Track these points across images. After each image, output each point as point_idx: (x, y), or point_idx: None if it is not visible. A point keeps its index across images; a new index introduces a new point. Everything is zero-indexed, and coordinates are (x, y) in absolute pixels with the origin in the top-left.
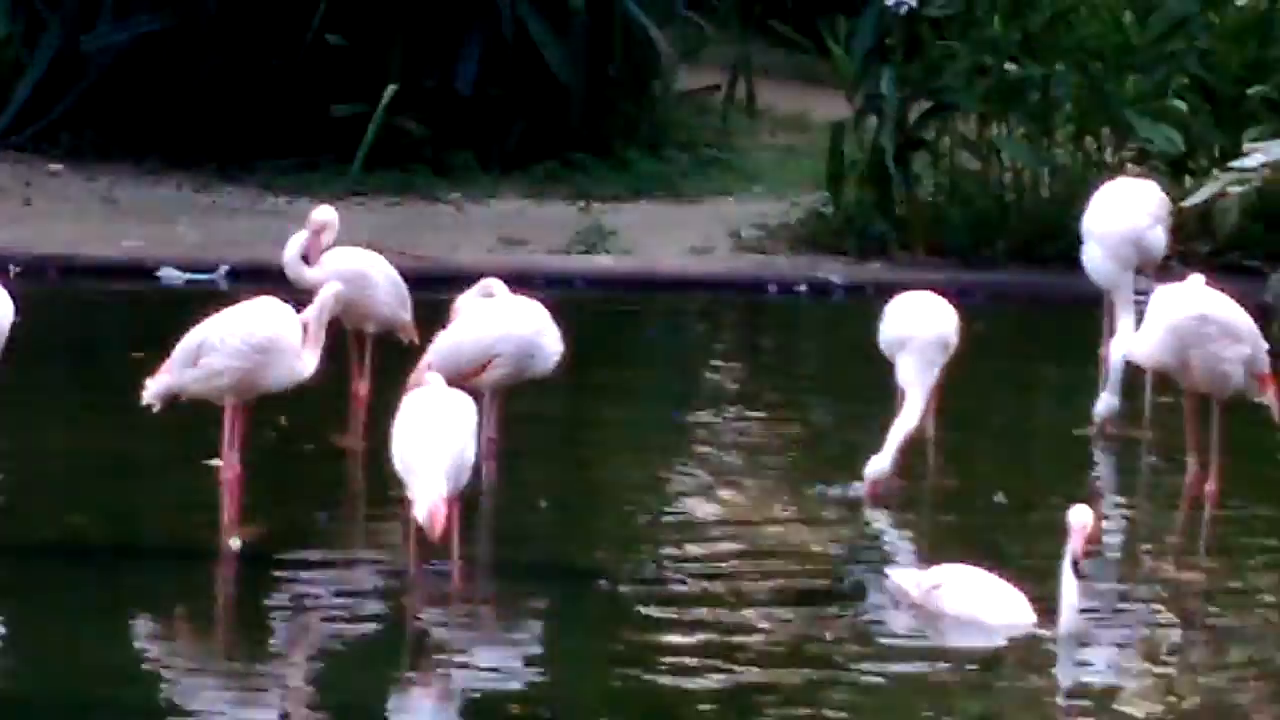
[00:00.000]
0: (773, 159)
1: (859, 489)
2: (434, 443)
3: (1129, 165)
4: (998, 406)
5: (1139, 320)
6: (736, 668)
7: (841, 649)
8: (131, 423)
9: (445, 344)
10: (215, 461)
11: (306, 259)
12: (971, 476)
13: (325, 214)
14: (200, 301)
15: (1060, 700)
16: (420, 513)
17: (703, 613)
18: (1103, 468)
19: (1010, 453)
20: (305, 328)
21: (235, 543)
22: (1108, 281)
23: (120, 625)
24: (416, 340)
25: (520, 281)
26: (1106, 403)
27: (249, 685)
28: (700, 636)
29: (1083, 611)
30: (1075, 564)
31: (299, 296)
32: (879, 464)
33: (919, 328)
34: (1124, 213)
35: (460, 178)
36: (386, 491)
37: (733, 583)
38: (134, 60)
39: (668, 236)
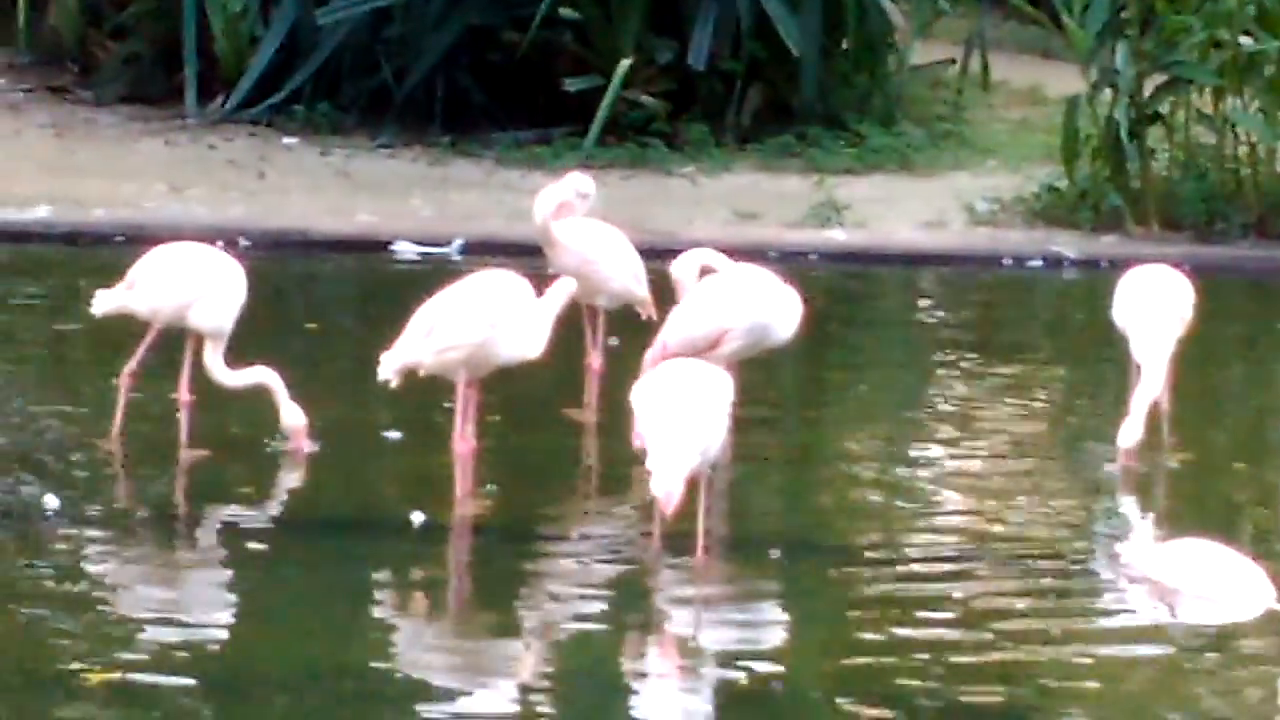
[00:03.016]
0: (1006, 133)
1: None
2: (683, 417)
3: None
4: (1231, 380)
5: None
6: (967, 637)
7: (1073, 624)
8: (367, 396)
9: (679, 320)
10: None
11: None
12: (1206, 450)
13: (588, 185)
14: (434, 275)
15: None
16: (658, 489)
17: (936, 587)
18: None
19: (1245, 427)
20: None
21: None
22: None
23: (357, 598)
24: (655, 315)
25: (754, 255)
26: None
27: (483, 660)
28: (934, 613)
29: None
30: None
31: (533, 269)
32: (1131, 432)
33: (1155, 301)
34: None
35: (694, 152)
36: (621, 465)
37: (964, 558)
38: (368, 34)
39: (901, 210)
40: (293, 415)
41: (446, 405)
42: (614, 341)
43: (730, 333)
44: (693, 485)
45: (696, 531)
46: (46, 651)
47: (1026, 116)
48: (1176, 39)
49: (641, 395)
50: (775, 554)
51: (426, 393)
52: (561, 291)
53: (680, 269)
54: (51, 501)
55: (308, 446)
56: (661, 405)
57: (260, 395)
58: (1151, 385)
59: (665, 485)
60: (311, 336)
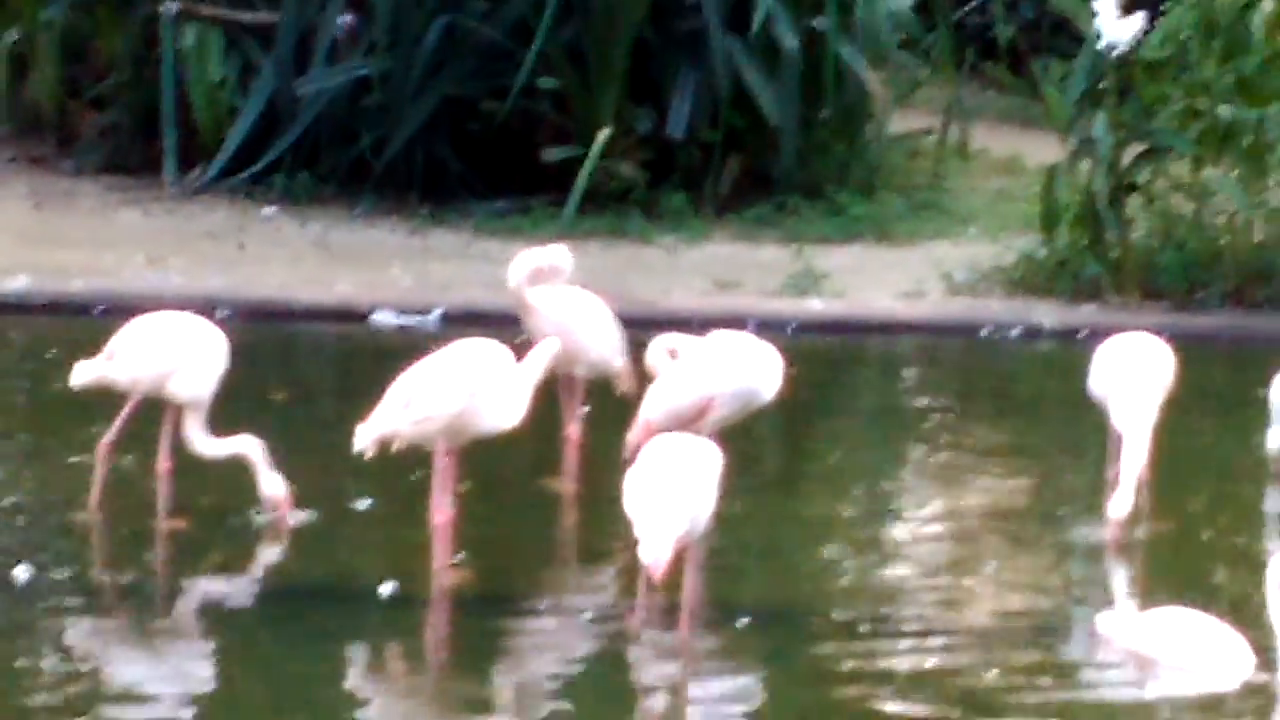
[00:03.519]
0: (986, 202)
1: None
2: (672, 486)
3: None
4: (1210, 448)
5: None
6: (942, 711)
7: (1051, 696)
8: (344, 467)
9: (662, 394)
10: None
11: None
12: (1185, 519)
13: (565, 257)
14: (413, 345)
15: None
16: (646, 556)
17: (911, 653)
18: None
19: (1225, 495)
20: (516, 380)
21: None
22: None
23: (332, 668)
24: (632, 388)
25: (732, 324)
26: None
27: None
28: (908, 675)
29: None
30: None
31: (511, 338)
32: (1122, 503)
33: (1136, 369)
34: None
35: (673, 221)
36: (600, 535)
37: (942, 625)
38: (347, 104)
39: (880, 279)
40: (273, 485)
41: (413, 477)
42: (584, 409)
43: (716, 400)
44: (680, 555)
45: (680, 604)
46: None
47: (1005, 185)
48: (1155, 108)
49: (633, 470)
50: (743, 622)
51: (406, 462)
52: (544, 354)
53: (652, 355)
54: (22, 573)
55: (291, 516)
56: (650, 475)
57: (240, 464)
58: (1136, 455)
59: (654, 553)
60: (289, 406)
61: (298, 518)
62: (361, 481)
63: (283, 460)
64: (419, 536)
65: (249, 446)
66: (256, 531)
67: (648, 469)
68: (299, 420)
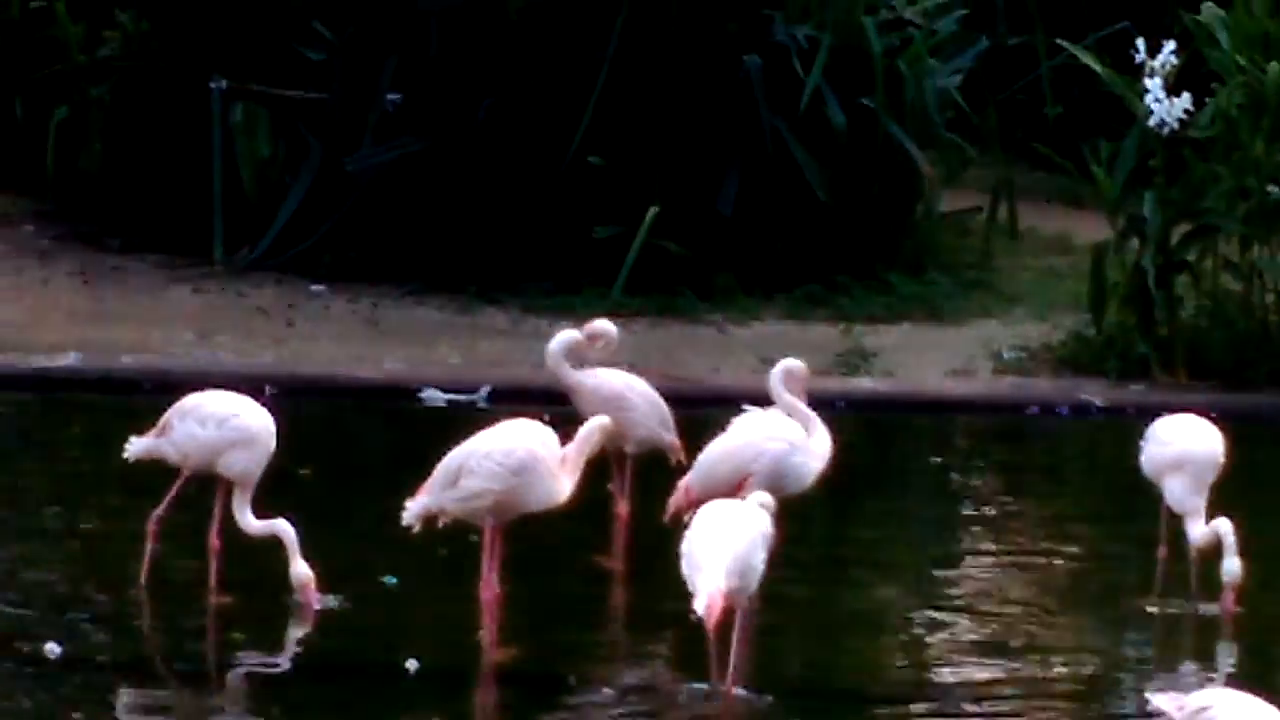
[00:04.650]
0: (1034, 280)
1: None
2: (721, 540)
3: None
4: (1261, 528)
5: None
6: None
7: None
8: (392, 543)
9: (702, 461)
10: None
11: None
12: (1238, 598)
13: (606, 326)
14: (461, 422)
15: None
16: (699, 604)
17: None
18: None
19: (1278, 575)
20: (565, 458)
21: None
22: None
23: None
24: (684, 459)
25: None
26: None
27: None
28: None
29: None
30: None
31: (560, 416)
32: (1234, 567)
33: (1191, 448)
34: None
35: (722, 299)
36: (649, 613)
37: (995, 706)
38: (396, 181)
39: (929, 358)
40: (301, 571)
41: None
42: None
43: (751, 478)
44: (728, 617)
45: (727, 671)
46: None
47: (1054, 264)
48: (1204, 187)
49: (687, 533)
50: (768, 699)
51: (455, 537)
52: (594, 430)
53: (773, 381)
54: (54, 649)
55: (317, 601)
56: (703, 532)
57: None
58: (1197, 532)
59: (705, 601)
60: (336, 483)
61: (324, 602)
62: (402, 555)
63: (330, 538)
64: (459, 611)
65: (283, 531)
66: (297, 609)
67: (701, 527)
68: (343, 496)
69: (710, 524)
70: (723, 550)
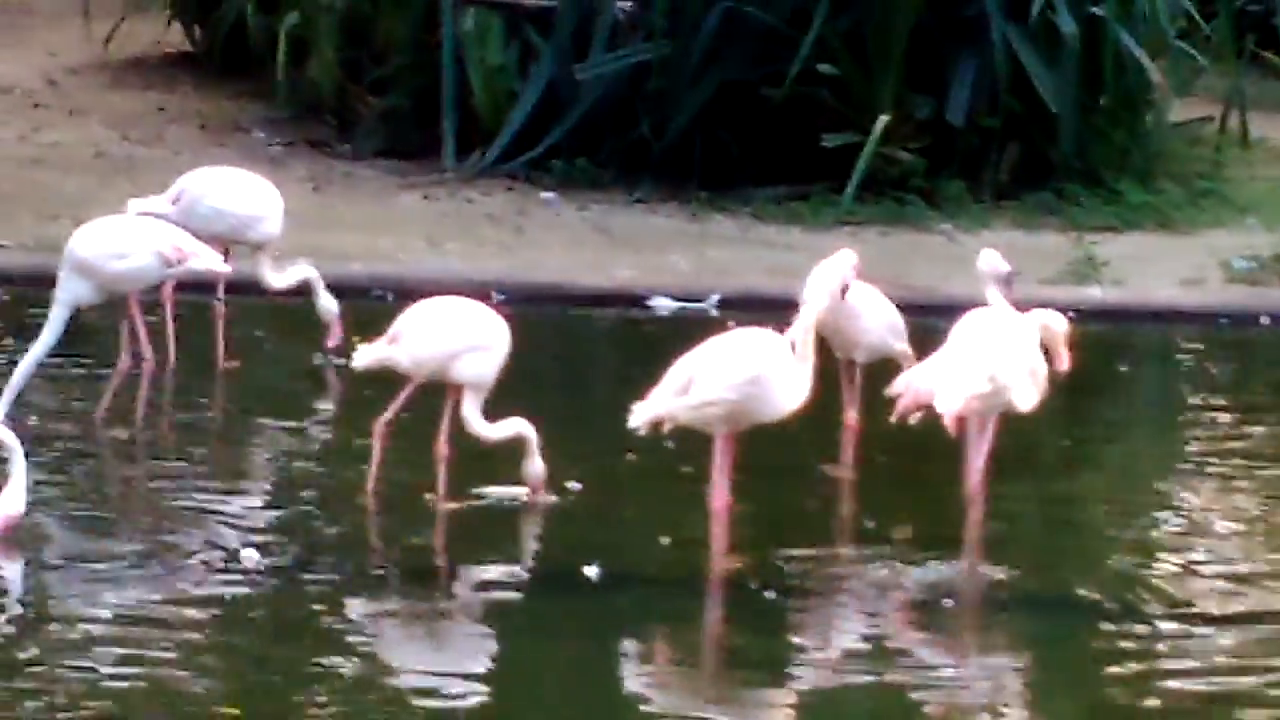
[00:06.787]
0: (1266, 190)
1: None
2: (978, 347)
3: None
4: None
5: None
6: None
7: None
8: (618, 449)
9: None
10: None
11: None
12: None
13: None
14: (691, 329)
15: None
16: (940, 404)
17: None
18: None
19: None
20: (793, 346)
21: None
22: None
23: (609, 655)
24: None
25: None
26: None
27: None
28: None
29: None
30: None
31: (788, 324)
32: None
33: None
34: None
35: (952, 208)
36: (872, 521)
37: (1221, 615)
38: (626, 89)
39: (1159, 268)
40: (535, 468)
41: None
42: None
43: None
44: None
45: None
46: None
47: None
48: None
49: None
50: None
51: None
52: (809, 314)
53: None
54: (251, 555)
55: (543, 498)
56: (962, 342)
57: (508, 447)
58: None
59: (950, 402)
60: (565, 389)
61: (547, 499)
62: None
63: (562, 441)
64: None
65: (525, 428)
66: (521, 511)
67: (959, 338)
68: (578, 403)
69: (971, 335)
70: (976, 355)
